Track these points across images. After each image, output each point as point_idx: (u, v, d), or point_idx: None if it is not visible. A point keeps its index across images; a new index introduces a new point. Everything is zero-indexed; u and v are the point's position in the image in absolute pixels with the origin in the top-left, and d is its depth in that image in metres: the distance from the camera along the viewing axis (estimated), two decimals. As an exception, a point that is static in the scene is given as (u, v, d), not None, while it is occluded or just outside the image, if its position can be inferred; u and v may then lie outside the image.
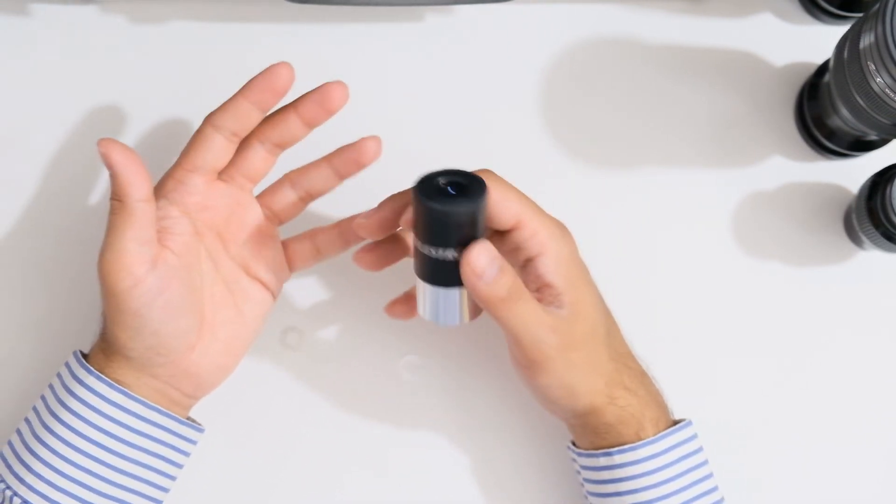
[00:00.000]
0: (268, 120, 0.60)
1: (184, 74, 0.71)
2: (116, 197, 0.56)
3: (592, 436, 0.61)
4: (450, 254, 0.54)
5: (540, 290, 0.57)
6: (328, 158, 0.62)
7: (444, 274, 0.55)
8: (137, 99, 0.70)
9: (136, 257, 0.56)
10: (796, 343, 0.70)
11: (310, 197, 0.63)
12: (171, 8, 0.71)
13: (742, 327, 0.70)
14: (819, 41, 0.71)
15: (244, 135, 0.59)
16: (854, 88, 0.59)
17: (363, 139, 0.61)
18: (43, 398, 0.60)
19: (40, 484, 0.58)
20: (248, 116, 0.58)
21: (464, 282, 0.54)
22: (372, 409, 0.68)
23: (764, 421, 0.69)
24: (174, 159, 0.70)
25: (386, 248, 0.61)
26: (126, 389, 0.58)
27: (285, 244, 0.63)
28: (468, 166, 0.70)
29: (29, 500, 0.58)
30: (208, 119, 0.59)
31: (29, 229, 0.69)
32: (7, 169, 0.70)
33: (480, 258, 0.54)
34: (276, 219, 0.63)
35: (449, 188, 0.53)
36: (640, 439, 0.59)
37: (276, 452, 0.68)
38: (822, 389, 0.69)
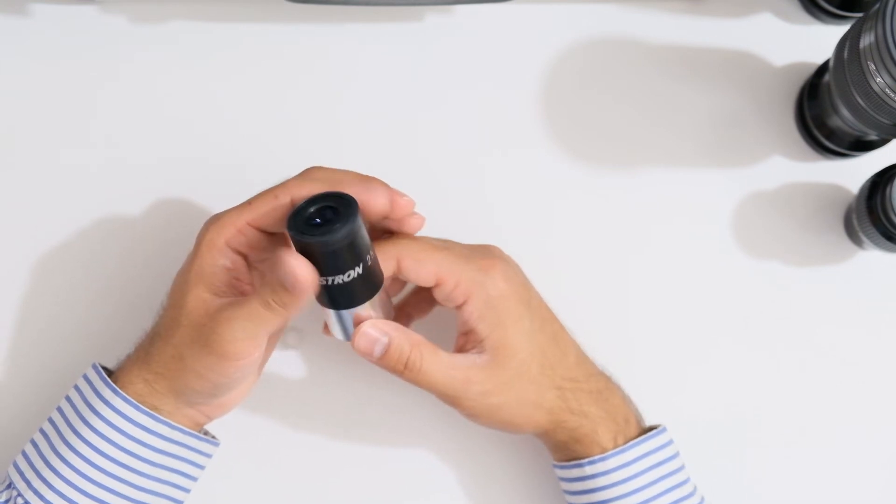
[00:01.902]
0: None
1: (184, 74, 0.71)
2: (280, 303, 0.53)
3: (562, 450, 0.62)
4: (340, 279, 0.53)
5: (466, 334, 0.59)
6: None
7: (344, 296, 0.54)
8: (137, 99, 0.70)
9: (255, 343, 0.55)
10: (796, 343, 0.70)
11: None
12: (171, 8, 0.71)
13: (742, 327, 0.70)
14: (819, 41, 0.71)
15: None
16: (854, 88, 0.59)
17: None
18: (60, 411, 0.60)
19: (62, 503, 0.58)
20: None
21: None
22: (372, 410, 0.68)
23: (764, 421, 0.69)
24: (172, 159, 0.70)
25: None
26: (152, 412, 0.58)
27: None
28: (468, 167, 0.71)
29: None
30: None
31: (27, 230, 0.69)
32: (6, 169, 0.70)
33: (361, 343, 0.55)
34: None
35: (317, 219, 0.53)
36: (605, 451, 0.60)
37: (274, 452, 0.68)
38: (822, 389, 0.69)
